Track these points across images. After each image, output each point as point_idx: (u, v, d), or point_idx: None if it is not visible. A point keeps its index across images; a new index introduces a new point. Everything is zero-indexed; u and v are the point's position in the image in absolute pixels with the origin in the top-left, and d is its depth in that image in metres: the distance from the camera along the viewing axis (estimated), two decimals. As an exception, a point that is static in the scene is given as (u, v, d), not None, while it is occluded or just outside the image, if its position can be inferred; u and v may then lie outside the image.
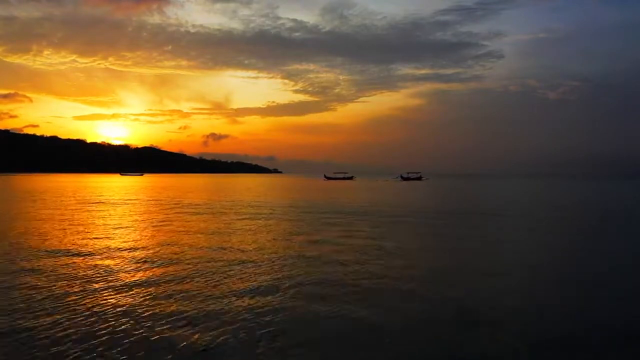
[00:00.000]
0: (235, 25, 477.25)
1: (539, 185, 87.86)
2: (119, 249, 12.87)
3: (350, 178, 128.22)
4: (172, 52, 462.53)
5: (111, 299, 7.81)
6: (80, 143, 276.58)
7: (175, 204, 31.13)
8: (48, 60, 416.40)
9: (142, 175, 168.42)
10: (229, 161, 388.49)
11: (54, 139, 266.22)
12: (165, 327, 6.45)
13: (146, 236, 15.51)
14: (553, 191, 60.64)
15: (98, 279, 9.26)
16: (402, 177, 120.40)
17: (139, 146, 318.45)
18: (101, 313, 7.02)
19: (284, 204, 31.61)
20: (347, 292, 8.41)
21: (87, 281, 9.02)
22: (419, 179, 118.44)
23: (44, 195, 38.89)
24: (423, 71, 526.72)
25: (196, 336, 6.08)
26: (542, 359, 5.61)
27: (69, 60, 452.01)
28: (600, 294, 8.70)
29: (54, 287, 8.46)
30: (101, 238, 14.79)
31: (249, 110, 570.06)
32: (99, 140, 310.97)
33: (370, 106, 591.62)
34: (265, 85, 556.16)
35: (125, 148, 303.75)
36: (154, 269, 10.25)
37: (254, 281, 9.15)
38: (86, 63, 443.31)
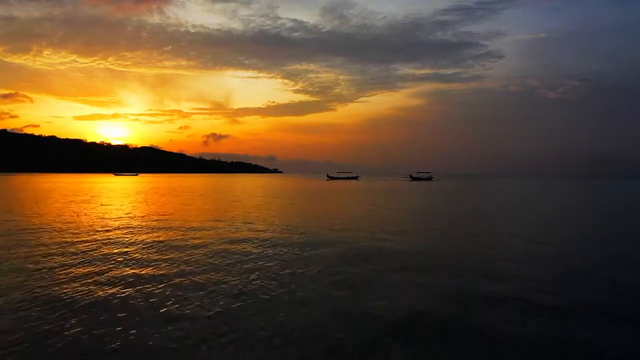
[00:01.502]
0: (235, 25, 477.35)
1: (556, 186, 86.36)
2: None
3: (355, 178, 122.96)
4: (172, 52, 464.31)
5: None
6: (78, 143, 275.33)
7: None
8: (48, 60, 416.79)
9: (136, 175, 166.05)
10: (229, 161, 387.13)
11: (52, 139, 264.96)
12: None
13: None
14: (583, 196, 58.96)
15: None
16: (411, 177, 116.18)
17: (138, 146, 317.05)
18: None
19: (280, 227, 28.18)
20: None
21: None
22: (430, 179, 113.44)
23: None
24: (423, 71, 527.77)
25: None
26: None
27: (69, 60, 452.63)
28: None
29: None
30: None
31: (249, 110, 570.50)
32: (99, 141, 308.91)
33: (370, 106, 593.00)
34: (265, 85, 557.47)
35: (124, 148, 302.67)
36: None
37: None
38: (86, 63, 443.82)
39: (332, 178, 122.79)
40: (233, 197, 41.71)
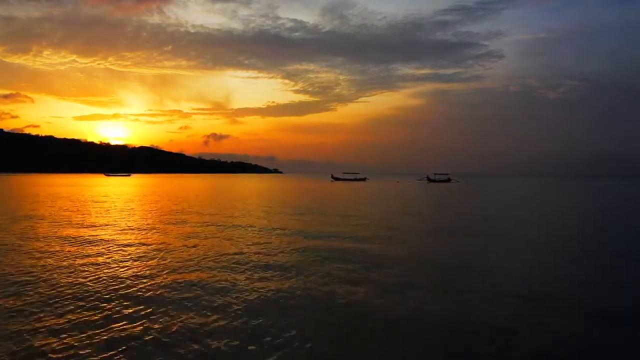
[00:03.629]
0: (235, 25, 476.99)
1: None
2: None
3: (363, 179, 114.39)
4: (172, 52, 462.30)
5: None
6: (76, 143, 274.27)
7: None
8: (48, 60, 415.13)
9: (128, 176, 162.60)
10: (228, 161, 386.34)
11: (50, 139, 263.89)
12: None
13: None
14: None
15: None
16: (428, 178, 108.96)
17: (136, 146, 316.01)
18: None
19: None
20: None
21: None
22: (448, 181, 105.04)
23: None
24: (423, 71, 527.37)
25: None
26: None
27: (69, 60, 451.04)
28: None
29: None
30: None
31: (249, 110, 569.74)
32: (98, 141, 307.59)
33: (370, 106, 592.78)
34: (265, 85, 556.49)
35: (123, 148, 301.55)
36: None
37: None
38: (86, 63, 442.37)
39: (337, 179, 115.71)
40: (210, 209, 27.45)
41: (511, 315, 7.71)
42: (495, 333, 6.87)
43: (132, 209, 28.37)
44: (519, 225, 20.94)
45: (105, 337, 6.50)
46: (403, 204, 35.94)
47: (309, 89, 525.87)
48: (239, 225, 19.88)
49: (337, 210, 28.41)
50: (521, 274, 10.92)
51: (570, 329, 7.14)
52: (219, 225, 19.71)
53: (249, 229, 18.84)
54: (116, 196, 41.81)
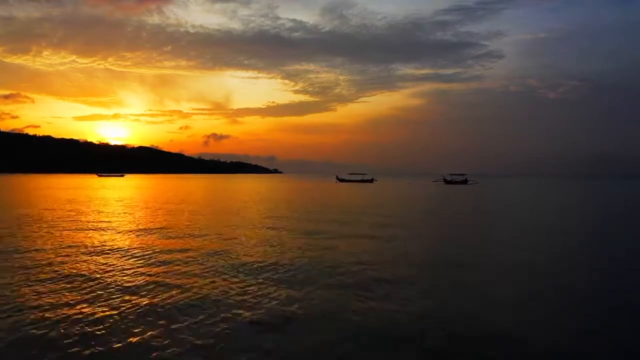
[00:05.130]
0: (235, 25, 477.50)
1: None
2: None
3: (370, 181, 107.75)
4: (172, 52, 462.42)
5: None
6: (75, 143, 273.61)
7: None
8: (48, 60, 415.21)
9: (122, 176, 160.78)
10: (228, 161, 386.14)
11: (47, 139, 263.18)
12: None
13: None
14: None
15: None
16: (444, 179, 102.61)
17: (135, 146, 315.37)
18: None
19: None
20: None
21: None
22: (465, 182, 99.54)
23: None
24: (423, 71, 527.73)
25: None
26: None
27: (69, 60, 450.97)
28: None
29: None
30: None
31: (249, 111, 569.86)
32: (98, 141, 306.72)
33: (370, 106, 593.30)
34: (265, 86, 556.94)
35: (121, 148, 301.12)
36: None
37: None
38: (86, 63, 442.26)
39: (342, 180, 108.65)
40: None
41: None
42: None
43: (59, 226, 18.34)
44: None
45: None
46: (458, 222, 22.71)
47: (309, 89, 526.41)
48: (219, 255, 12.37)
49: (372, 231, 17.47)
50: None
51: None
52: (193, 263, 11.17)
53: (234, 268, 10.72)
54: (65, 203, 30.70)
